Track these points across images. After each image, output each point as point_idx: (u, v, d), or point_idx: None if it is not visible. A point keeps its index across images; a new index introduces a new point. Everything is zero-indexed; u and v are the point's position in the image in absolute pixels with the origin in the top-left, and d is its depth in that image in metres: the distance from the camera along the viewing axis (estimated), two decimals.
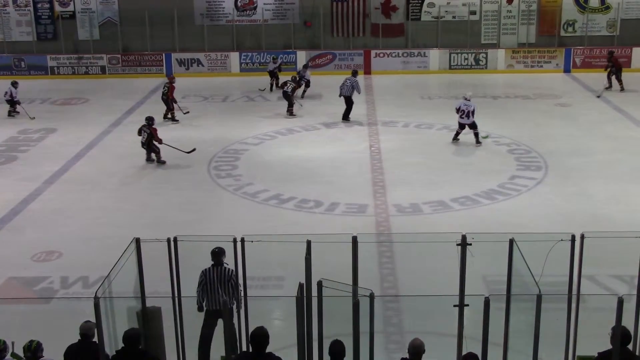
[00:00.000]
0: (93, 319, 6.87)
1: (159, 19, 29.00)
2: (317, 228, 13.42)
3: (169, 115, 21.99)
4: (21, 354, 7.47)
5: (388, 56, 29.07)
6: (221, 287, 9.24)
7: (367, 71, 28.82)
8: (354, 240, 7.29)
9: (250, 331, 7.25)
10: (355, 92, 21.56)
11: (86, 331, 7.55)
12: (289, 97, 22.43)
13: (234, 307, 8.62)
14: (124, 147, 19.51)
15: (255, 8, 29.74)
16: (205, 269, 9.44)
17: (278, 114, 22.62)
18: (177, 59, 29.09)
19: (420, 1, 29.40)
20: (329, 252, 8.61)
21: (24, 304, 11.16)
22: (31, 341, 7.44)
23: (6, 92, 22.78)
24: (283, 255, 11.57)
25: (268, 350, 6.87)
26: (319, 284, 6.79)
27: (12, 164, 18.39)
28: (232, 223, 13.70)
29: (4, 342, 7.41)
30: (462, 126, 18.98)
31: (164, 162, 17.83)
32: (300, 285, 6.92)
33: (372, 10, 29.43)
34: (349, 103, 21.68)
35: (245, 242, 8.02)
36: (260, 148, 19.17)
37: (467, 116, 18.70)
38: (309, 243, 7.42)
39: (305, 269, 7.19)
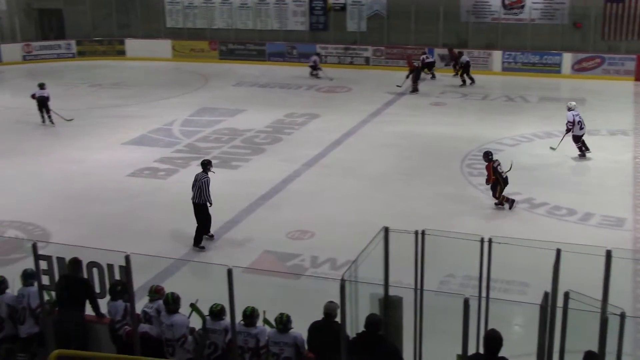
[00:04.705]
0: (337, 300, 7.15)
1: (425, 14, 29.36)
2: (568, 237, 12.84)
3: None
4: (272, 322, 8.03)
5: None
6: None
7: (639, 78, 27.05)
8: (608, 255, 6.95)
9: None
10: None
11: (330, 311, 7.91)
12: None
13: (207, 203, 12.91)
14: (381, 137, 20.05)
15: (523, 7, 29.08)
16: (199, 174, 13.02)
17: (537, 116, 22.02)
18: (439, 55, 29.22)
19: None
20: (578, 264, 8.27)
21: (276, 277, 11.86)
22: (281, 314, 7.96)
23: (34, 94, 21.15)
24: (529, 261, 11.28)
25: (505, 354, 6.78)
26: (566, 295, 6.57)
27: (277, 144, 19.61)
28: (482, 223, 13.68)
29: (222, 306, 7.92)
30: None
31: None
32: (546, 294, 6.72)
33: None
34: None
35: (492, 243, 7.94)
36: (516, 149, 18.75)
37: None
38: (558, 252, 7.19)
39: (552, 278, 6.98)
